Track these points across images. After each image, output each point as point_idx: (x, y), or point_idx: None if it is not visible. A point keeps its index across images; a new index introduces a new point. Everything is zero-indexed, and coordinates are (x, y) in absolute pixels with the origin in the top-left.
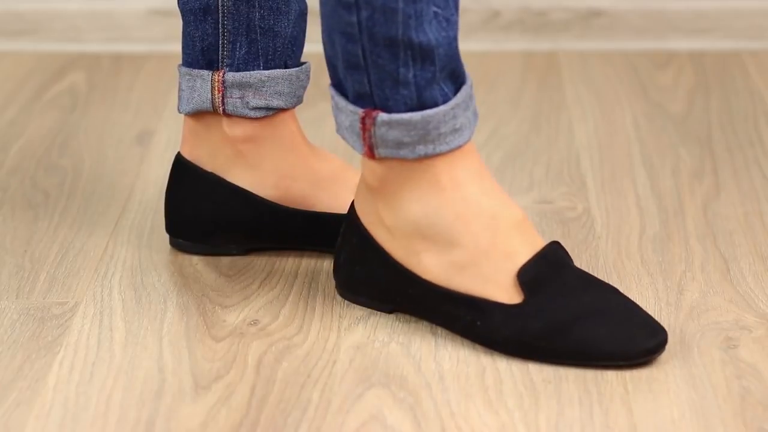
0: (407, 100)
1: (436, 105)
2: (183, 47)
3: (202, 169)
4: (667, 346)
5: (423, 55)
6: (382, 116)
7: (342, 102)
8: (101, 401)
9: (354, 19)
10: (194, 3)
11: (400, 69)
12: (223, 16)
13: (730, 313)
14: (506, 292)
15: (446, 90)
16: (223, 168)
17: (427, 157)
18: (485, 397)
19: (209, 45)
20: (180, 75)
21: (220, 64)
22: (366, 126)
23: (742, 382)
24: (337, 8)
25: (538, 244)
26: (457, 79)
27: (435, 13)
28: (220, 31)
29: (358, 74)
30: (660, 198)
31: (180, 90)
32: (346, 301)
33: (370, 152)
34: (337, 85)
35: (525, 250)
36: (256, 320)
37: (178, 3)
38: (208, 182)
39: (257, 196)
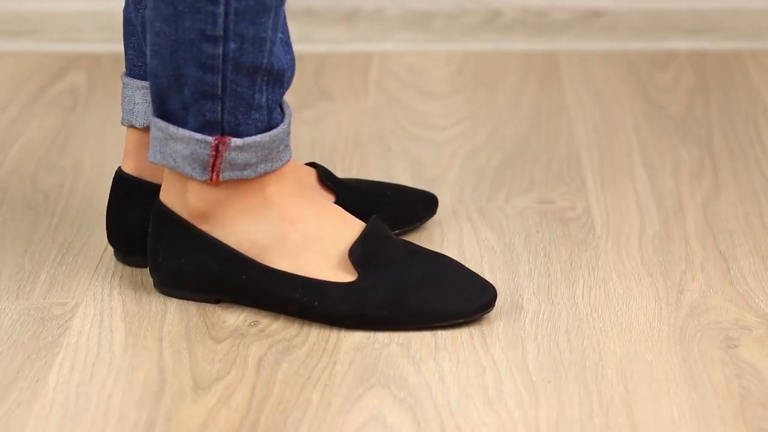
0: (258, 123)
1: (278, 125)
2: None
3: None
4: (667, 346)
5: (276, 78)
6: (236, 141)
7: (180, 132)
8: (101, 402)
9: (219, 51)
10: None
11: (256, 94)
12: None
13: (730, 312)
14: (340, 272)
15: (281, 109)
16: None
17: (265, 174)
18: (485, 397)
19: None
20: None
21: None
22: (219, 152)
23: (742, 382)
24: (198, 42)
25: (360, 224)
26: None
27: (280, 38)
28: None
29: (211, 103)
30: (660, 198)
31: (135, 103)
32: None
33: (217, 178)
34: (167, 115)
35: (351, 231)
36: (257, 321)
37: None
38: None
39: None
